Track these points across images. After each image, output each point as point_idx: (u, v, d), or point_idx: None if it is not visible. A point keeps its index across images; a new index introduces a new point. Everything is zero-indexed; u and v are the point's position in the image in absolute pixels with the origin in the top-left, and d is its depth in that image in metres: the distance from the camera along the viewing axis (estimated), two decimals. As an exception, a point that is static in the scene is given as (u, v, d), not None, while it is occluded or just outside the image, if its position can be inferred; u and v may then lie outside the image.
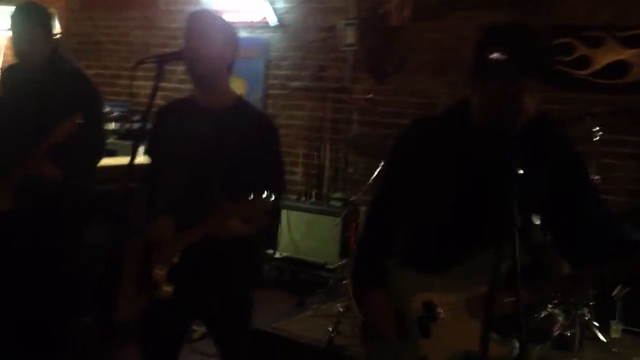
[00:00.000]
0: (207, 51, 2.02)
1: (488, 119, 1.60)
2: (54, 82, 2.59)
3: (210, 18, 2.11)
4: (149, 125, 2.14)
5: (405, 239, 1.84)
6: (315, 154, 5.16)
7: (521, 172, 1.40)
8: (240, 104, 2.16)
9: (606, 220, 1.66)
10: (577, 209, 1.65)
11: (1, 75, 2.86)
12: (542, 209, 1.64)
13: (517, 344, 1.54)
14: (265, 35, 5.35)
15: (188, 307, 2.10)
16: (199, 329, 3.29)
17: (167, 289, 1.98)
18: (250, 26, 5.37)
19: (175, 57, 1.98)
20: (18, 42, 2.57)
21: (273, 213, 2.13)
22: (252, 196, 1.83)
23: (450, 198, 1.69)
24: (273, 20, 5.24)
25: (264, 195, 1.84)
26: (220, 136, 2.04)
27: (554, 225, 1.68)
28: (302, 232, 4.68)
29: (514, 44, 1.53)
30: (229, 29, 2.12)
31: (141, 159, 3.08)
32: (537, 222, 1.65)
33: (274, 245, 4.75)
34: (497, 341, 1.55)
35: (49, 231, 2.60)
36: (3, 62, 6.12)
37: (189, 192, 2.05)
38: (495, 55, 1.48)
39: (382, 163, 1.96)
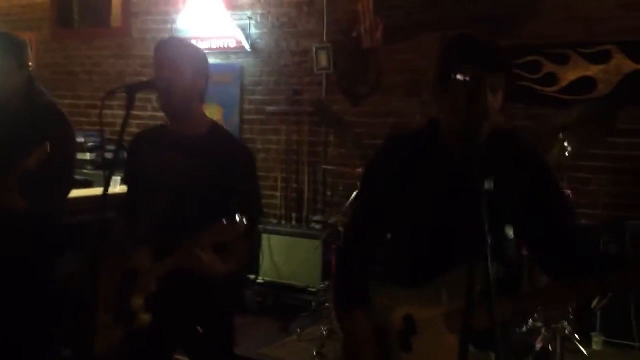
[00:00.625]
0: (179, 81, 2.01)
1: (454, 126, 1.64)
2: (27, 114, 2.57)
3: (179, 46, 2.10)
4: (123, 155, 2.14)
5: (384, 254, 1.85)
6: (294, 177, 5.17)
7: (490, 186, 1.41)
8: (214, 130, 2.15)
9: (576, 232, 1.69)
10: (550, 222, 1.67)
11: None
12: (515, 222, 1.67)
13: (493, 358, 1.55)
14: (239, 60, 5.38)
15: (168, 336, 2.08)
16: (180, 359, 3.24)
17: (145, 317, 1.95)
18: (224, 52, 5.40)
19: (146, 86, 1.98)
20: None
21: (252, 239, 2.13)
22: (224, 221, 1.83)
23: (425, 214, 1.71)
24: (247, 46, 5.28)
25: (237, 219, 1.83)
26: (195, 163, 2.03)
27: (529, 238, 1.71)
28: (283, 256, 4.66)
29: (473, 45, 1.59)
30: (200, 56, 2.11)
31: (116, 188, 3.08)
32: (511, 235, 1.66)
33: (255, 270, 4.72)
34: (475, 355, 1.55)
35: (23, 260, 2.55)
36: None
37: (165, 221, 2.04)
38: (459, 75, 1.50)
39: (359, 181, 1.96)
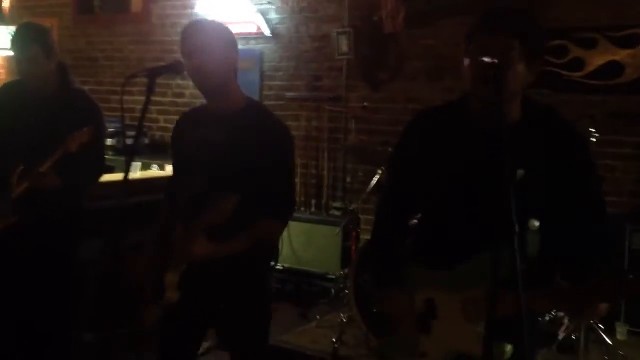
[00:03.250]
0: (212, 64, 1.99)
1: (476, 95, 1.58)
2: (58, 100, 2.61)
3: (207, 28, 2.06)
4: (143, 140, 2.15)
5: (415, 236, 1.83)
6: (314, 163, 5.15)
7: (521, 174, 1.36)
8: (251, 106, 2.13)
9: (601, 239, 1.60)
10: (577, 220, 1.59)
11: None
12: (543, 213, 1.58)
13: (509, 348, 1.52)
14: (259, 46, 5.35)
15: (198, 315, 2.09)
16: (205, 343, 3.27)
17: (172, 295, 1.98)
18: (244, 37, 5.38)
19: (167, 70, 1.96)
20: (20, 62, 2.58)
21: (281, 219, 2.12)
22: (215, 199, 1.82)
23: (452, 195, 1.67)
24: (266, 32, 5.24)
25: (226, 195, 1.81)
26: (230, 139, 2.02)
27: (552, 233, 1.59)
28: (303, 243, 4.66)
29: (493, 12, 1.55)
30: (226, 33, 2.08)
31: (137, 174, 3.09)
32: (535, 225, 1.57)
33: (275, 257, 4.72)
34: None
35: (46, 243, 2.59)
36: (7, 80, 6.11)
37: (201, 197, 2.03)
38: (486, 58, 1.46)
39: (390, 158, 1.93)
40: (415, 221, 1.85)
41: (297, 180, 5.19)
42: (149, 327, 2.06)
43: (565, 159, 1.59)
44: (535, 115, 1.63)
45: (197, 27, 2.08)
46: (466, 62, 1.58)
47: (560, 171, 1.57)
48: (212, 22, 2.13)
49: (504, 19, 1.55)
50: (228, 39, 2.07)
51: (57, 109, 2.58)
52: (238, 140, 2.01)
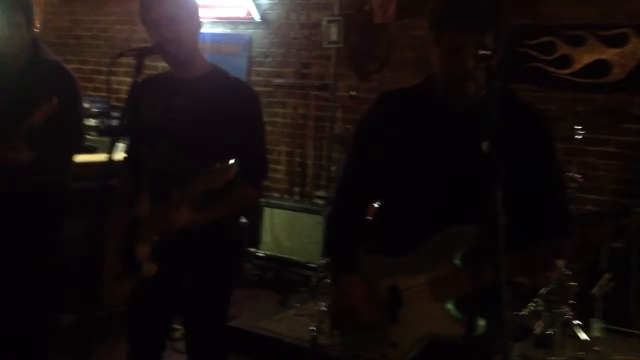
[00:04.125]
0: (185, 34, 1.96)
1: (441, 81, 1.61)
2: (33, 71, 2.55)
3: None
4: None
5: (372, 223, 1.81)
6: (299, 151, 5.14)
7: (487, 144, 1.37)
8: (215, 70, 2.11)
9: (559, 204, 1.66)
10: (541, 190, 1.63)
11: None
12: (507, 184, 1.57)
13: (481, 323, 1.53)
14: (248, 31, 5.30)
15: (167, 290, 2.05)
16: (179, 328, 3.25)
17: (150, 266, 1.94)
18: (233, 22, 5.33)
19: (155, 51, 1.93)
20: (0, 28, 2.51)
21: (256, 184, 2.08)
22: (216, 166, 1.79)
23: (412, 174, 1.67)
24: (256, 17, 5.20)
25: (229, 163, 1.78)
26: (197, 104, 1.99)
27: (519, 203, 1.59)
28: (285, 230, 4.65)
29: (456, 9, 1.54)
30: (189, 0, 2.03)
31: (120, 155, 3.03)
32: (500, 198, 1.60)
33: (256, 243, 4.71)
34: (458, 319, 1.56)
35: (26, 223, 2.54)
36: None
37: (169, 166, 2.00)
38: (481, 51, 1.46)
39: (351, 136, 1.88)
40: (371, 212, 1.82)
41: (281, 167, 5.17)
42: (116, 303, 2.02)
43: (526, 131, 1.62)
44: (502, 95, 1.64)
45: None
46: (438, 51, 1.59)
47: (522, 144, 1.59)
48: None
49: (472, 14, 1.53)
50: (194, 6, 2.03)
51: (29, 80, 2.52)
52: (206, 104, 1.98)
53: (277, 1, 5.17)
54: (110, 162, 1.76)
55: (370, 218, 1.84)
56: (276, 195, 5.10)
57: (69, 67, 2.73)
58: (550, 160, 1.69)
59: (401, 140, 1.67)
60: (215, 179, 1.79)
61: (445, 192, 1.61)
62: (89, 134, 5.02)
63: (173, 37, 1.94)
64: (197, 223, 1.93)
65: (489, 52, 1.45)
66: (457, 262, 1.58)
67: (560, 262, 1.60)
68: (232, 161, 1.78)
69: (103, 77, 5.79)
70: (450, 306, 1.58)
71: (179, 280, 2.05)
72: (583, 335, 3.34)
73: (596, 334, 3.49)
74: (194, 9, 2.03)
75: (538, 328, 3.37)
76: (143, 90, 2.11)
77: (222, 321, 2.21)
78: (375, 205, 1.83)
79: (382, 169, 1.71)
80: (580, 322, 3.39)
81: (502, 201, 1.33)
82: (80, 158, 2.71)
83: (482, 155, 1.39)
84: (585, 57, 4.03)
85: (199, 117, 1.98)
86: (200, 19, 2.05)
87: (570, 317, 3.37)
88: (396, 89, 1.84)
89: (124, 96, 1.81)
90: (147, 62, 1.91)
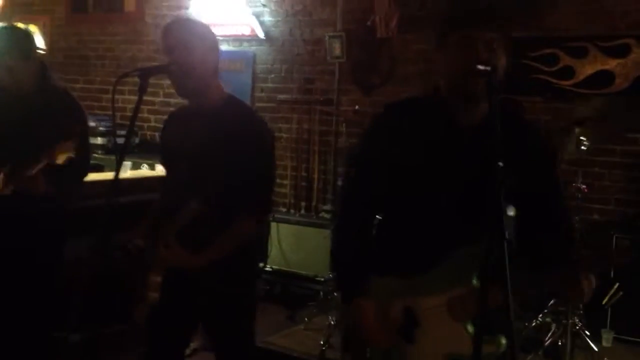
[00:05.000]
0: (190, 62, 2.00)
1: (450, 84, 1.60)
2: (40, 100, 2.59)
3: (185, 27, 2.08)
4: (134, 140, 2.16)
5: (378, 243, 1.77)
6: (304, 166, 5.15)
7: (500, 164, 1.38)
8: (230, 103, 2.14)
9: (563, 220, 1.70)
10: (545, 204, 1.66)
11: None
12: (516, 200, 1.58)
13: (503, 340, 1.51)
14: (252, 48, 5.35)
15: (183, 313, 2.09)
16: (191, 344, 3.26)
17: (155, 295, 1.98)
18: (237, 39, 5.38)
19: (159, 70, 1.96)
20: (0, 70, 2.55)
21: (259, 216, 2.13)
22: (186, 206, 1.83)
23: (421, 190, 1.64)
24: (260, 34, 5.25)
25: (192, 205, 1.83)
26: (210, 133, 2.03)
27: (524, 218, 1.62)
28: (292, 245, 4.65)
29: (470, 4, 1.57)
30: (207, 32, 2.10)
31: (127, 173, 3.07)
32: (511, 213, 1.59)
33: (263, 258, 4.72)
34: (485, 340, 1.51)
35: (30, 245, 2.57)
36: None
37: (185, 195, 2.03)
38: (480, 66, 1.47)
39: (355, 151, 1.85)
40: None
41: (287, 182, 5.19)
42: (140, 324, 2.07)
43: (529, 149, 1.64)
44: (505, 111, 1.64)
45: (179, 24, 2.10)
46: (446, 55, 1.59)
47: (526, 160, 1.61)
48: (195, 21, 2.15)
49: (480, 14, 1.57)
50: (209, 39, 2.08)
51: (37, 107, 2.56)
52: (218, 134, 2.02)
53: (280, 18, 5.22)
54: (117, 181, 1.78)
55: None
56: (282, 209, 5.11)
57: (75, 88, 2.78)
58: (550, 174, 1.71)
59: (409, 154, 1.64)
60: (181, 221, 1.85)
61: (456, 208, 1.58)
62: (96, 153, 5.08)
63: (182, 62, 1.98)
64: (197, 265, 1.97)
65: (488, 68, 1.45)
66: (475, 282, 1.55)
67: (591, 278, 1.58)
68: (190, 204, 1.83)
69: (110, 96, 5.84)
70: (470, 326, 1.55)
71: (196, 301, 2.07)
72: (593, 346, 3.32)
73: (606, 344, 3.47)
74: (210, 41, 2.08)
75: (548, 339, 3.35)
76: (172, 120, 2.26)
77: (247, 338, 2.21)
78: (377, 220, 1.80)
79: (388, 183, 1.68)
80: (590, 333, 3.37)
81: (507, 215, 1.33)
82: (87, 177, 2.74)
83: (492, 171, 1.38)
84: (588, 68, 4.04)
85: (211, 146, 2.02)
86: (217, 51, 2.09)
87: (580, 327, 3.35)
88: (400, 100, 1.80)
89: (130, 115, 1.84)
90: (153, 81, 1.94)
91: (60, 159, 2.36)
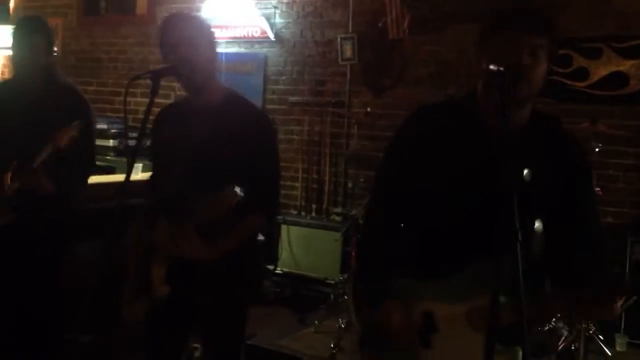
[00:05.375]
0: (198, 57, 2.00)
1: (489, 104, 1.54)
2: (47, 96, 2.60)
3: (192, 22, 2.08)
4: (145, 142, 2.15)
5: (403, 244, 1.75)
6: (315, 168, 5.14)
7: (528, 176, 1.34)
8: (231, 98, 2.13)
9: (597, 240, 1.61)
10: (578, 222, 1.59)
11: None
12: (547, 215, 1.55)
13: (520, 353, 1.49)
14: (263, 50, 5.35)
15: (183, 310, 2.07)
16: (198, 347, 3.25)
17: (162, 288, 1.97)
18: (249, 41, 5.38)
19: (170, 72, 1.96)
20: (21, 50, 2.57)
21: (268, 211, 2.10)
22: (214, 196, 1.81)
23: (452, 199, 1.60)
24: (271, 35, 5.25)
25: (231, 191, 1.79)
26: (213, 133, 2.02)
27: (555, 234, 1.58)
28: (303, 248, 4.64)
29: (513, 10, 1.54)
30: (207, 26, 2.10)
31: (138, 175, 3.06)
32: (540, 229, 1.55)
33: (274, 260, 4.71)
34: (500, 352, 1.50)
35: (41, 244, 2.58)
36: (1, 79, 6.13)
37: (183, 192, 2.03)
38: (492, 66, 1.45)
39: (386, 152, 1.80)
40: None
41: (298, 184, 5.18)
42: (134, 321, 2.05)
43: (568, 163, 1.59)
44: (541, 120, 1.62)
45: (181, 19, 2.09)
46: (483, 60, 1.52)
47: (563, 174, 1.57)
48: (196, 17, 2.16)
49: (529, 16, 1.53)
50: (211, 34, 2.09)
51: (45, 104, 2.57)
52: (221, 132, 2.01)
53: (291, 20, 5.22)
54: (128, 182, 1.78)
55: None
56: (293, 212, 5.10)
57: (86, 89, 2.80)
58: (589, 189, 1.66)
59: (440, 161, 1.62)
60: (217, 209, 1.81)
61: (483, 220, 1.53)
62: (108, 155, 5.10)
63: (188, 59, 1.98)
64: (209, 258, 1.96)
65: (501, 69, 1.42)
66: (502, 298, 1.48)
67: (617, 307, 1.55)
68: (231, 189, 1.79)
69: (121, 99, 5.87)
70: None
71: (196, 300, 2.06)
72: (607, 351, 3.28)
73: (620, 349, 3.43)
74: (211, 37, 2.08)
75: (561, 344, 3.31)
76: (165, 116, 2.19)
77: (240, 339, 2.21)
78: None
79: (417, 188, 1.66)
80: (604, 338, 3.33)
81: (534, 229, 1.29)
82: (98, 179, 2.75)
83: (524, 185, 1.36)
84: (602, 70, 4.01)
85: (213, 145, 2.01)
86: (217, 47, 2.09)
87: (594, 332, 3.31)
88: (432, 104, 1.75)
89: (142, 117, 1.83)
90: (165, 83, 1.94)
91: (64, 141, 2.36)
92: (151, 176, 2.30)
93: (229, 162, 1.98)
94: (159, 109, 2.04)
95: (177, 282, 1.98)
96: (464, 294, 1.57)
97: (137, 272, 2.06)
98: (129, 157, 1.84)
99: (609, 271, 1.58)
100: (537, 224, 1.55)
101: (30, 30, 2.57)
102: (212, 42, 2.07)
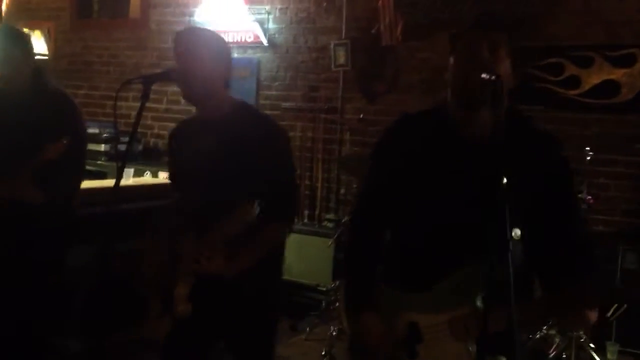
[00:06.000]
0: (195, 70, 1.99)
1: (459, 94, 1.55)
2: (35, 103, 2.59)
3: (194, 36, 2.08)
4: (137, 147, 2.14)
5: (386, 254, 1.75)
6: (307, 174, 5.13)
7: (505, 181, 1.33)
8: (239, 109, 2.11)
9: (582, 241, 1.59)
10: (561, 224, 1.56)
11: None
12: (526, 221, 1.52)
13: None
14: (257, 55, 5.35)
15: (206, 328, 2.05)
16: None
17: (183, 307, 1.96)
18: (242, 46, 5.38)
19: (162, 77, 1.95)
20: (1, 61, 2.56)
21: (285, 221, 2.09)
22: (233, 211, 1.80)
23: (431, 204, 1.61)
24: (264, 41, 5.25)
25: (248, 205, 1.79)
26: (222, 145, 2.01)
27: (536, 239, 1.55)
28: (294, 254, 4.61)
29: (477, 15, 1.61)
30: (218, 42, 2.08)
31: (129, 180, 3.03)
32: (518, 235, 1.52)
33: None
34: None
35: (30, 249, 2.55)
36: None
37: (202, 207, 2.02)
38: (484, 75, 1.45)
39: (369, 160, 1.82)
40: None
41: (291, 190, 5.17)
42: (160, 338, 2.04)
43: (545, 164, 1.57)
44: (515, 122, 1.58)
45: (189, 33, 2.12)
46: (451, 60, 1.57)
47: (541, 176, 1.54)
48: (207, 31, 2.15)
49: (492, 17, 1.60)
50: (217, 47, 2.07)
51: (33, 110, 2.56)
52: (230, 144, 1.99)
53: (284, 25, 5.22)
54: (118, 188, 1.76)
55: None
56: (285, 218, 5.09)
57: (77, 94, 2.78)
58: (570, 190, 1.63)
59: (414, 169, 1.63)
60: (234, 225, 1.81)
61: (462, 225, 1.55)
62: (99, 159, 5.07)
63: (187, 69, 1.98)
64: (231, 273, 1.94)
65: (492, 77, 1.43)
66: (478, 303, 1.53)
67: (593, 315, 1.53)
68: (248, 204, 1.79)
69: (113, 103, 5.85)
70: (471, 347, 1.53)
71: (221, 318, 2.03)
72: (598, 359, 3.28)
73: (611, 357, 3.43)
74: (220, 50, 2.06)
75: (552, 352, 3.31)
76: (178, 136, 2.20)
77: (271, 348, 2.21)
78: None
79: (396, 198, 1.66)
80: (595, 346, 3.33)
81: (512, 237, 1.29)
82: (89, 184, 2.73)
83: (500, 188, 1.33)
84: (593, 78, 4.03)
85: (224, 158, 1.99)
86: (226, 67, 2.07)
87: (585, 340, 3.31)
88: (413, 112, 1.76)
89: (134, 121, 1.82)
90: (156, 88, 1.93)
91: (52, 155, 2.36)
92: (172, 194, 2.28)
93: (242, 173, 1.97)
94: (152, 114, 2.02)
95: (201, 301, 1.96)
96: (446, 304, 1.57)
97: (162, 289, 2.04)
98: (119, 162, 1.82)
99: (596, 275, 1.54)
100: (516, 231, 1.51)
101: (3, 44, 2.57)
102: (217, 54, 2.05)
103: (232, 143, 1.99)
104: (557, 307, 1.52)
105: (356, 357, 1.76)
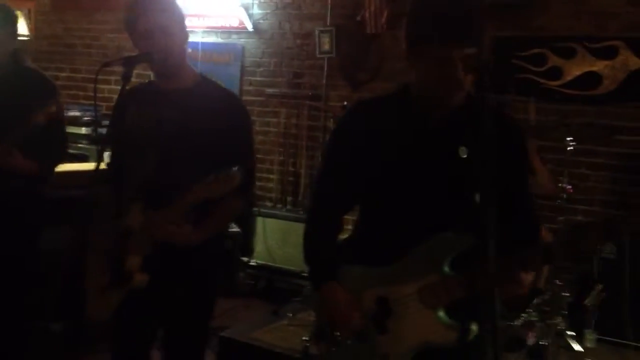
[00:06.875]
0: (175, 45, 1.98)
1: (426, 93, 1.61)
2: (15, 83, 2.57)
3: (165, 6, 2.02)
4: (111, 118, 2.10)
5: (354, 232, 1.79)
6: (291, 161, 5.13)
7: (464, 153, 1.40)
8: (202, 82, 2.11)
9: (532, 214, 1.70)
10: (514, 195, 1.64)
11: None
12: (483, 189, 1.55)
13: (474, 328, 1.51)
14: (241, 40, 5.30)
15: (157, 298, 2.03)
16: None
17: (141, 277, 1.93)
18: (226, 31, 5.33)
19: (143, 59, 1.93)
20: None
21: (247, 195, 2.08)
22: (219, 174, 1.79)
23: (393, 184, 1.65)
24: (249, 26, 5.20)
25: (232, 171, 1.78)
26: (185, 116, 1.99)
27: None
28: (278, 240, 4.63)
29: (443, 12, 1.51)
30: (178, 8, 2.06)
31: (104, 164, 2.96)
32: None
33: (249, 252, 4.69)
34: (450, 326, 1.56)
35: (6, 229, 2.53)
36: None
37: (157, 177, 2.00)
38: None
39: (326, 144, 1.88)
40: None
41: (274, 176, 5.16)
42: (103, 318, 2.01)
43: (505, 142, 1.58)
44: (476, 103, 1.59)
45: (152, 3, 2.01)
46: (422, 66, 1.58)
47: (499, 154, 1.55)
48: (170, 1, 2.06)
49: (455, 24, 1.50)
50: (183, 19, 2.05)
51: (13, 88, 2.56)
52: (194, 116, 1.98)
53: (269, 11, 5.18)
54: (98, 171, 1.75)
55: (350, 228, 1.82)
56: (269, 204, 5.08)
57: (59, 76, 2.78)
58: (523, 172, 1.73)
59: (380, 150, 1.66)
60: (218, 187, 1.79)
61: (427, 200, 1.61)
62: (80, 142, 5.01)
63: (164, 47, 1.94)
64: (193, 243, 1.94)
65: (475, 50, 1.44)
66: (446, 269, 1.58)
67: (527, 277, 1.58)
68: (235, 169, 1.78)
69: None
70: (442, 313, 1.57)
71: (171, 290, 2.03)
72: (576, 346, 3.33)
73: (589, 344, 3.48)
74: (182, 21, 2.05)
75: (531, 339, 3.35)
76: (129, 101, 2.10)
77: (204, 332, 2.20)
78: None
79: (361, 179, 1.69)
80: (573, 333, 3.38)
81: (487, 207, 1.33)
82: (70, 166, 2.71)
83: (461, 162, 1.43)
84: (575, 69, 4.05)
85: (188, 129, 1.98)
86: (187, 31, 2.07)
87: (564, 327, 3.36)
88: (370, 97, 1.86)
89: (114, 104, 1.80)
90: (138, 71, 1.90)
91: (40, 117, 2.34)
92: (112, 163, 2.20)
93: (203, 146, 1.96)
94: (118, 96, 1.95)
95: (152, 271, 1.95)
96: (414, 274, 1.60)
97: (106, 264, 2.00)
98: (99, 145, 1.81)
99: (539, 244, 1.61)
100: (477, 197, 1.54)
101: None
102: (183, 27, 2.04)
103: (193, 114, 1.98)
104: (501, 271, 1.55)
105: (325, 337, 1.73)
